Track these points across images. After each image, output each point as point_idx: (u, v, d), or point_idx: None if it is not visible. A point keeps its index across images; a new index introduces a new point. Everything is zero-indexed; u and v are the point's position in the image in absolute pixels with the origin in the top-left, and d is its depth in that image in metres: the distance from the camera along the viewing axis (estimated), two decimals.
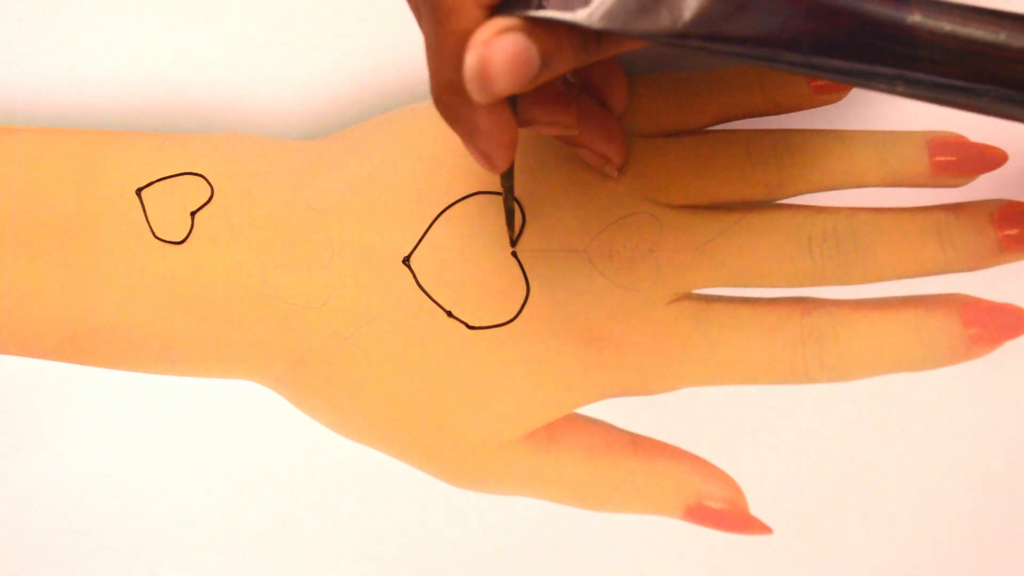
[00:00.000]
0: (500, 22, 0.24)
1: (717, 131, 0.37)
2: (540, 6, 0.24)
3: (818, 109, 0.37)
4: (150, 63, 0.38)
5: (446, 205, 0.36)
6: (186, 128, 0.37)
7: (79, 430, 0.35)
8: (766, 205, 0.36)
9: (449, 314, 0.35)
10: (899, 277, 0.36)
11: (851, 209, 0.36)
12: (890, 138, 0.36)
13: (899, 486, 0.35)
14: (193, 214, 0.36)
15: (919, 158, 0.36)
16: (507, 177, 0.33)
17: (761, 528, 0.34)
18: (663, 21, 0.24)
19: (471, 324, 0.35)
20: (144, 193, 0.36)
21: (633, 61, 0.37)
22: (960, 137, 0.36)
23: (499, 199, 0.36)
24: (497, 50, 0.24)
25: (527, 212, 0.36)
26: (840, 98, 0.37)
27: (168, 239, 0.36)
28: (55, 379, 0.35)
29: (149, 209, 0.36)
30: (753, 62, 0.25)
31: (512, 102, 0.29)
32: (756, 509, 0.35)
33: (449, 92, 0.26)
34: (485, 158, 0.29)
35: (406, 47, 0.37)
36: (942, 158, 0.36)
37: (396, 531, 0.35)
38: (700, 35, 0.24)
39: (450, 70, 0.26)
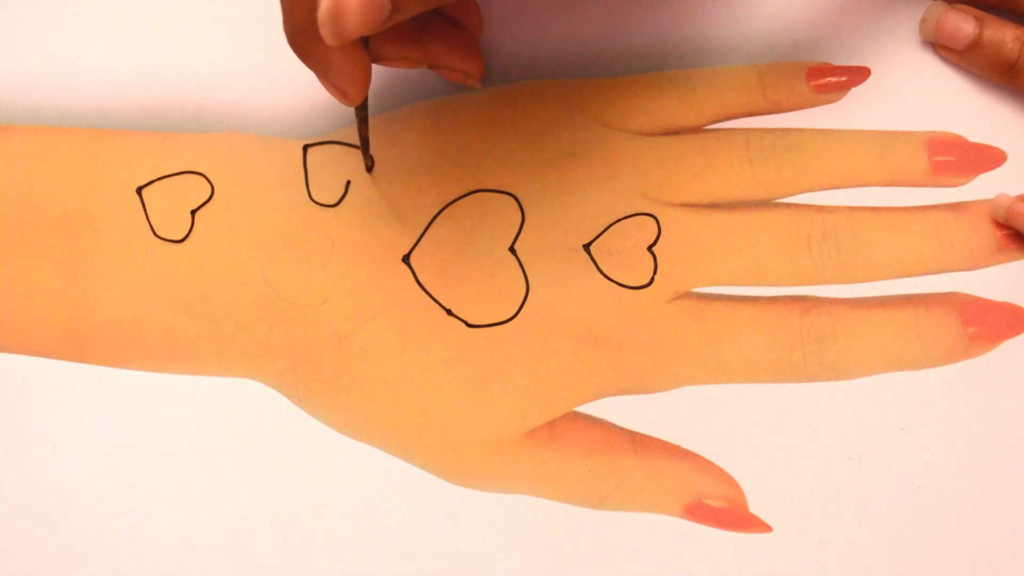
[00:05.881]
0: None
1: (717, 130, 0.37)
2: None
3: (818, 108, 0.37)
4: (150, 63, 0.38)
5: (445, 204, 0.36)
6: (186, 127, 0.37)
7: (79, 430, 0.35)
8: (766, 204, 0.36)
9: (449, 312, 0.36)
10: (898, 276, 0.36)
11: (850, 208, 0.36)
12: (889, 138, 0.37)
13: (899, 485, 0.35)
14: (193, 212, 0.36)
15: (918, 157, 0.36)
16: (362, 108, 0.34)
17: (761, 526, 0.35)
18: None
19: (471, 322, 0.35)
20: (145, 192, 0.36)
21: (633, 61, 0.37)
22: (959, 137, 0.36)
23: (499, 197, 0.36)
24: None
25: (527, 211, 0.36)
26: (839, 98, 0.37)
27: (169, 237, 0.36)
28: (55, 378, 0.35)
29: (150, 208, 0.36)
30: None
31: (365, 40, 0.30)
32: (756, 507, 0.35)
33: (303, 33, 0.27)
34: (340, 93, 0.30)
35: None
36: (941, 158, 0.36)
37: (396, 530, 0.35)
38: None
39: (304, 12, 0.27)
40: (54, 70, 0.37)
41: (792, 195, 0.36)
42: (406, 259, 0.36)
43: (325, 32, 0.26)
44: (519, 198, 0.36)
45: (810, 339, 0.35)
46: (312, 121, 0.37)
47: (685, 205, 0.36)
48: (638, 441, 0.35)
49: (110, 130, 0.37)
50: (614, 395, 0.35)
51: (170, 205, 0.36)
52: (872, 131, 0.37)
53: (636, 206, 0.36)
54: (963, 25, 0.35)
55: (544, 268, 0.36)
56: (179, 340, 0.35)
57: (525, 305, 0.35)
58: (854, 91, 0.37)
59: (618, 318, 0.35)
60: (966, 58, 0.36)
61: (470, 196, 0.36)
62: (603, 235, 0.36)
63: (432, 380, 0.35)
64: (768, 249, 0.36)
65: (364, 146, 0.35)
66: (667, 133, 0.37)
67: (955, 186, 0.36)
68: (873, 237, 0.36)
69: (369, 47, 0.31)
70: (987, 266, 0.36)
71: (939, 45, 0.36)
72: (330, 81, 0.29)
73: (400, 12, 0.26)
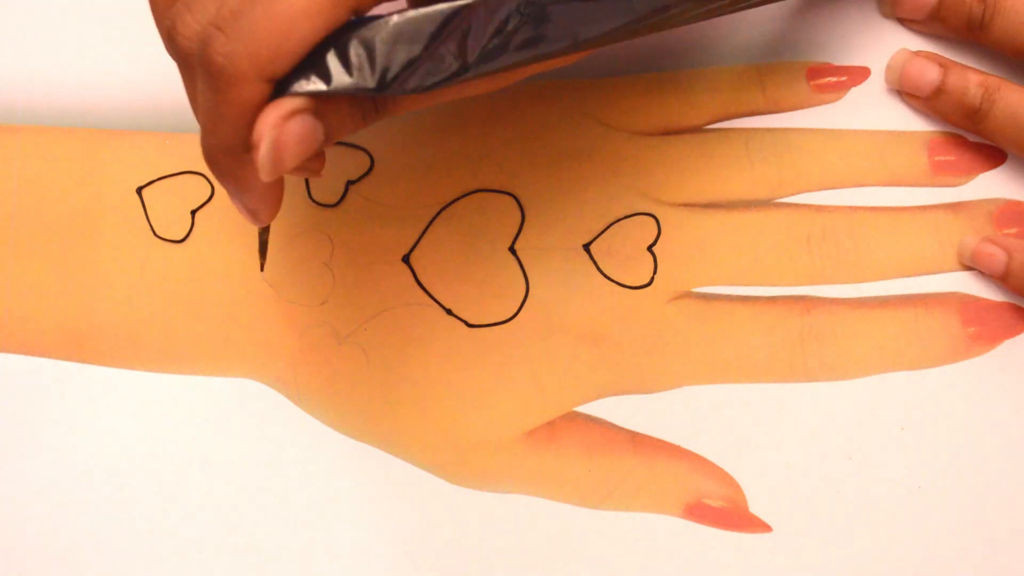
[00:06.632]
0: (288, 104, 0.25)
1: (717, 130, 0.37)
2: (323, 75, 0.25)
3: (817, 108, 0.37)
4: (150, 63, 0.38)
5: (445, 204, 0.36)
6: (186, 127, 0.37)
7: (79, 430, 0.35)
8: (766, 204, 0.36)
9: (449, 312, 0.36)
10: (898, 276, 0.36)
11: (850, 208, 0.36)
12: (889, 138, 0.37)
13: (899, 485, 0.35)
14: (194, 213, 0.36)
15: (918, 157, 0.36)
16: (265, 230, 0.33)
17: (760, 526, 0.35)
18: (449, 67, 0.25)
19: (471, 322, 0.36)
20: (145, 192, 0.36)
21: (633, 61, 0.37)
22: (959, 137, 0.36)
23: (499, 197, 0.36)
24: (288, 133, 0.25)
25: (527, 211, 0.36)
26: (839, 98, 0.37)
27: (169, 237, 0.36)
28: (55, 378, 0.35)
29: (150, 208, 0.36)
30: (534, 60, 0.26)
31: None
32: (756, 507, 0.35)
33: (224, 154, 0.26)
34: (252, 214, 0.28)
35: None
36: (941, 157, 0.36)
37: (396, 530, 0.35)
38: (480, 64, 0.25)
39: (228, 135, 0.26)
40: (54, 70, 0.37)
41: (792, 195, 0.36)
42: (406, 259, 0.36)
43: (263, 171, 0.25)
44: (519, 198, 0.36)
45: (810, 339, 0.35)
46: None
47: (685, 205, 0.36)
48: (638, 441, 0.35)
49: (110, 130, 0.37)
50: (614, 395, 0.35)
51: (170, 205, 0.36)
52: (872, 131, 0.37)
53: (636, 206, 0.36)
54: (926, 72, 0.35)
55: (544, 268, 0.36)
56: (179, 340, 0.35)
57: (525, 305, 0.36)
58: (854, 91, 0.37)
59: (618, 318, 0.35)
60: (930, 104, 0.36)
61: (470, 196, 0.36)
62: (603, 235, 0.36)
63: (432, 380, 0.35)
64: (768, 249, 0.36)
65: (262, 249, 0.33)
66: (667, 133, 0.37)
67: (955, 186, 0.36)
68: (873, 237, 0.36)
69: None
70: None
71: (905, 92, 0.36)
72: (244, 203, 0.28)
73: (331, 139, 0.26)
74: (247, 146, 0.25)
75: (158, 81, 0.37)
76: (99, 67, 0.38)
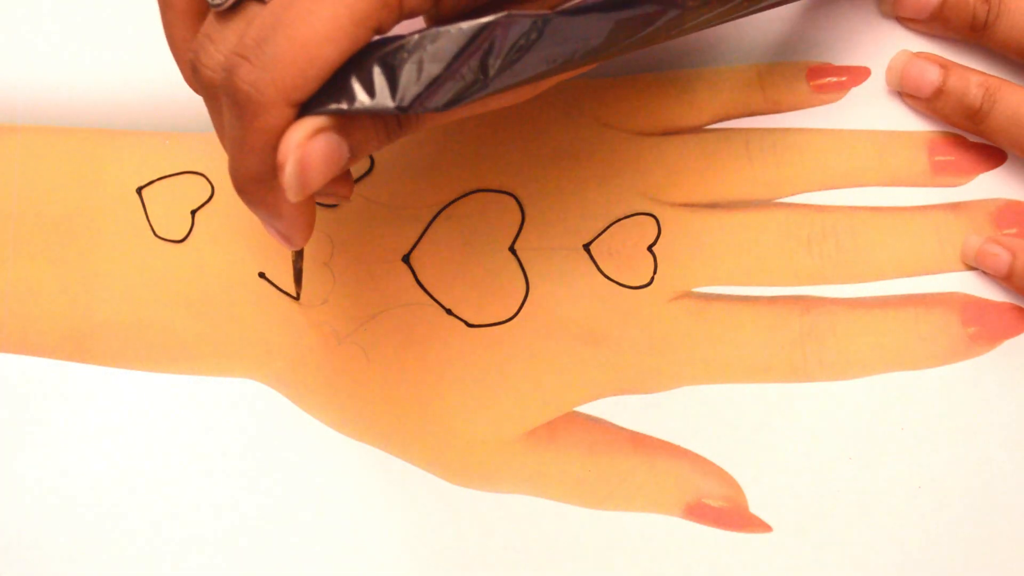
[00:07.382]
0: (312, 123, 0.25)
1: (717, 130, 0.37)
2: (346, 96, 0.25)
3: (818, 108, 0.37)
4: (150, 63, 0.38)
5: (445, 204, 0.36)
6: (186, 127, 0.37)
7: (79, 430, 0.35)
8: (766, 204, 0.36)
9: (449, 312, 0.36)
10: (898, 276, 0.36)
11: (851, 208, 0.36)
12: (889, 138, 0.37)
13: (899, 485, 0.35)
14: (194, 213, 0.36)
15: (918, 157, 0.36)
16: (299, 255, 0.34)
17: (761, 526, 0.35)
18: (469, 84, 0.25)
19: (471, 322, 0.36)
20: (145, 192, 0.36)
21: (633, 61, 0.37)
22: (959, 137, 0.36)
23: (499, 197, 0.36)
24: (312, 152, 0.24)
25: (527, 211, 0.36)
26: (839, 98, 0.37)
27: (169, 237, 0.36)
28: (55, 378, 0.35)
29: (150, 208, 0.36)
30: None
31: None
32: (756, 507, 0.35)
33: (254, 182, 0.26)
34: (286, 238, 0.28)
35: None
36: (941, 157, 0.36)
37: (396, 530, 0.35)
38: (500, 79, 0.25)
39: (256, 163, 0.25)
40: (54, 70, 0.37)
41: (792, 195, 0.36)
42: (406, 259, 0.36)
43: (291, 191, 0.25)
44: (519, 198, 0.36)
45: (810, 339, 0.35)
46: None
47: (685, 205, 0.36)
48: (638, 441, 0.35)
49: (110, 130, 0.37)
50: (614, 395, 0.35)
51: (170, 205, 0.36)
52: (872, 131, 0.37)
53: (636, 206, 0.36)
54: (927, 73, 0.35)
55: (544, 268, 0.36)
56: (179, 340, 0.35)
57: (525, 305, 0.36)
58: (854, 91, 0.37)
59: (618, 318, 0.35)
60: (931, 105, 0.36)
61: (470, 196, 0.36)
62: (603, 235, 0.36)
63: (432, 380, 0.35)
64: (768, 249, 0.36)
65: (297, 278, 0.35)
66: (667, 133, 0.37)
67: (955, 186, 0.36)
68: (873, 237, 0.36)
69: None
70: None
71: (905, 93, 0.36)
72: (277, 229, 0.28)
73: (356, 157, 0.26)
74: (275, 172, 0.25)
75: (158, 81, 0.37)
76: (99, 67, 0.38)
